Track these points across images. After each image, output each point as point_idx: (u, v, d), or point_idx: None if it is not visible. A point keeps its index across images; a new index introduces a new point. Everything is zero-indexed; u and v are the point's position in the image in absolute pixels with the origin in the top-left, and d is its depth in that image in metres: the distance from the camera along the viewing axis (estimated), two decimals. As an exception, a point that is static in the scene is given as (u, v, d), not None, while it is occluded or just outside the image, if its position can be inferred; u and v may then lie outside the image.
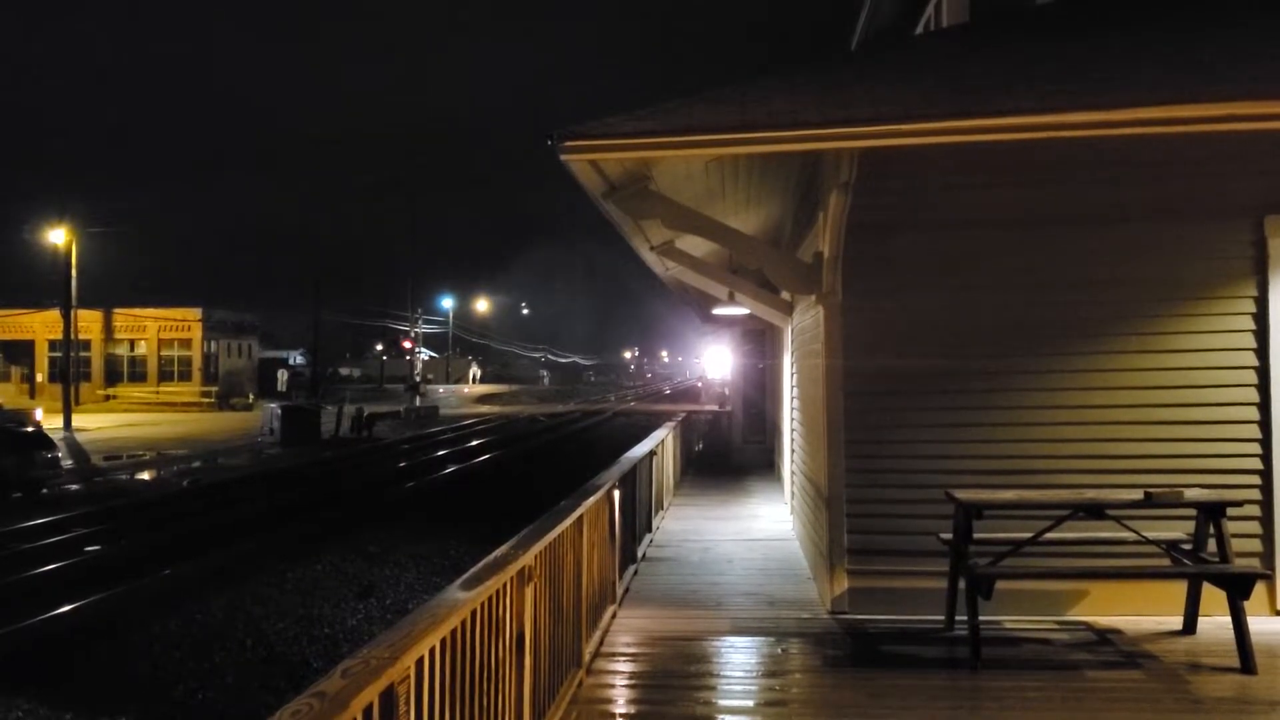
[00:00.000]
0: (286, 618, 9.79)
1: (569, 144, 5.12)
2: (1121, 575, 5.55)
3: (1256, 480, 5.81)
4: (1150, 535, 5.38)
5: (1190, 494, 5.23)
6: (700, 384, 55.39)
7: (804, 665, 5.18)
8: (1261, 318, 5.81)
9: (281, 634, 9.33)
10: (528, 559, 3.60)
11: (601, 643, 5.48)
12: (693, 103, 5.60)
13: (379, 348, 79.44)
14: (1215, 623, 5.39)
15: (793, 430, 9.87)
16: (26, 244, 36.42)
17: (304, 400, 40.04)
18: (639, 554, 7.99)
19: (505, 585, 3.34)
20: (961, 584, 5.27)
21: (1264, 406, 5.82)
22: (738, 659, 5.34)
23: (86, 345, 46.28)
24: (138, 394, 46.68)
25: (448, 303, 78.83)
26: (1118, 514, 5.26)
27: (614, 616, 6.05)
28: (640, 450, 8.38)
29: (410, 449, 27.78)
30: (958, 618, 5.48)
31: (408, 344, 62.18)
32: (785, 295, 9.23)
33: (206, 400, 46.36)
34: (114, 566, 11.53)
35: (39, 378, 47.31)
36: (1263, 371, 5.82)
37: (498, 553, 3.48)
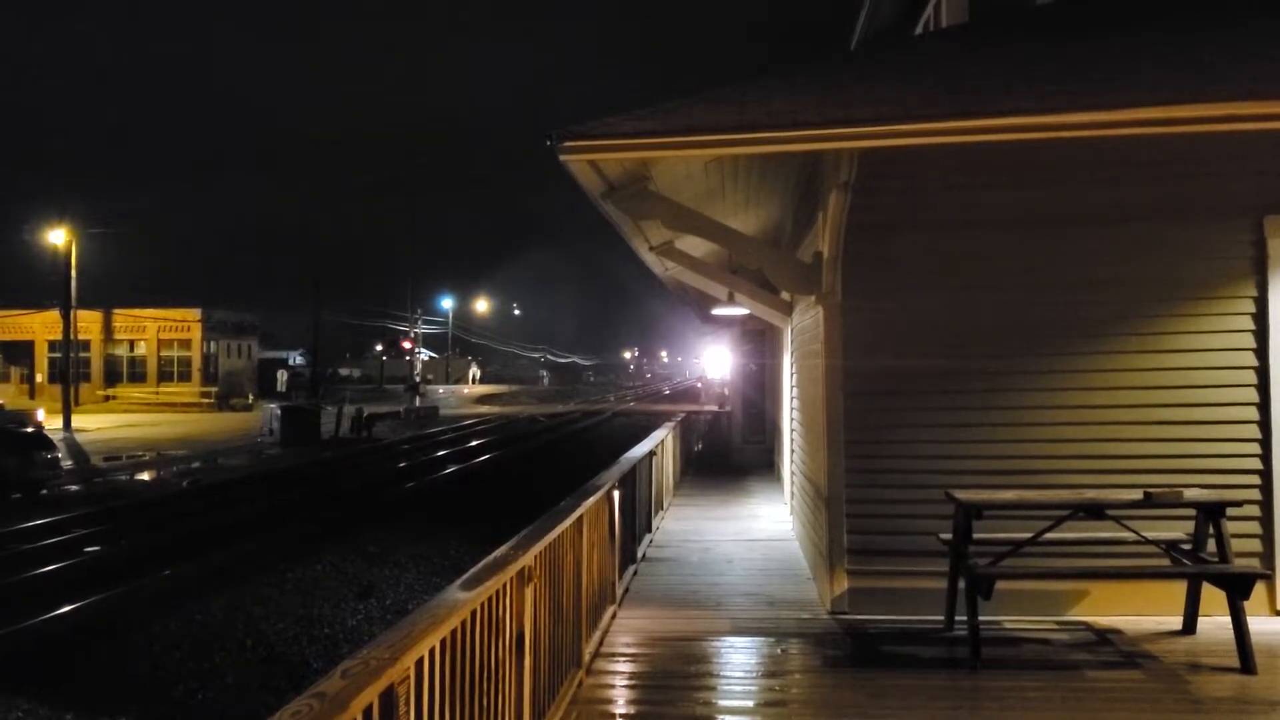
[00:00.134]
0: (286, 618, 9.79)
1: (568, 144, 5.12)
2: (1121, 575, 5.55)
3: (1256, 480, 5.81)
4: (1150, 535, 5.38)
5: (1190, 494, 5.22)
6: (700, 384, 55.39)
7: (804, 665, 5.18)
8: (1261, 318, 5.81)
9: (281, 634, 9.33)
10: (527, 559, 3.59)
11: (601, 643, 5.47)
12: (692, 103, 5.60)
13: (379, 348, 79.42)
14: (1215, 623, 5.39)
15: (792, 430, 9.87)
16: (26, 244, 36.45)
17: (304, 400, 40.06)
18: (639, 554, 7.99)
19: (505, 586, 3.34)
20: (961, 584, 5.27)
21: (1264, 406, 5.82)
22: (738, 659, 5.34)
23: (86, 346, 46.28)
24: (137, 394, 46.69)
25: (447, 303, 78.87)
26: (1117, 514, 5.26)
27: (614, 617, 6.05)
28: (640, 450, 8.37)
29: (410, 449, 27.78)
30: (958, 618, 5.48)
31: (407, 344, 62.17)
32: (785, 295, 9.23)
33: (206, 401, 46.36)
34: (114, 567, 11.53)
35: (39, 378, 47.31)
36: (1263, 371, 5.82)
37: (498, 553, 3.48)
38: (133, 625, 9.30)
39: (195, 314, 48.32)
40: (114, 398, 46.73)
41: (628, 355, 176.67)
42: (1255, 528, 5.78)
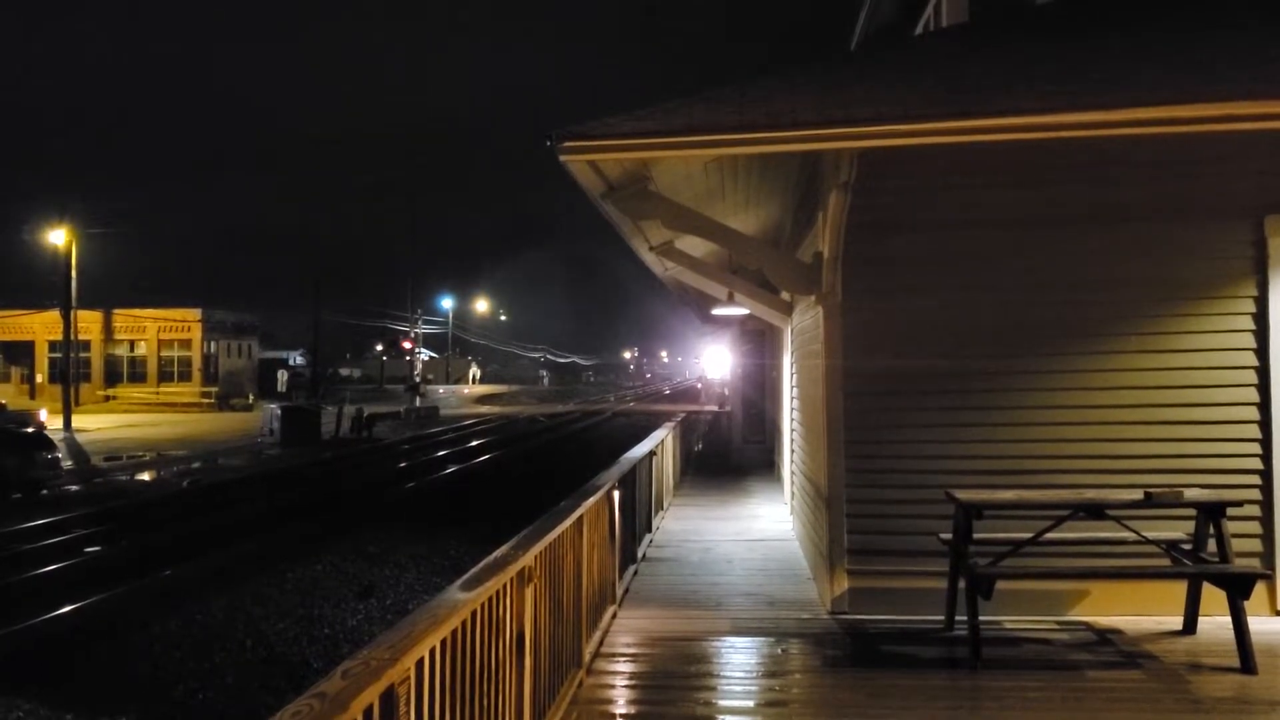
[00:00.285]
0: (287, 618, 9.79)
1: (568, 144, 5.12)
2: (1122, 575, 5.55)
3: (1256, 480, 5.81)
4: (1150, 535, 5.38)
5: (1190, 494, 5.22)
6: (700, 384, 55.40)
7: (804, 665, 5.19)
8: (1261, 318, 5.81)
9: (281, 634, 9.33)
10: (528, 559, 3.59)
11: (601, 643, 5.48)
12: (692, 103, 5.60)
13: (379, 348, 79.45)
14: (1215, 623, 5.39)
15: (793, 430, 9.87)
16: (26, 244, 36.42)
17: (304, 401, 40.07)
18: (639, 554, 7.99)
19: (505, 586, 3.34)
20: (961, 584, 5.27)
21: (1264, 406, 5.82)
22: (738, 659, 5.34)
23: (86, 346, 46.27)
24: (138, 394, 46.70)
25: (447, 303, 78.93)
26: (1118, 514, 5.26)
27: (614, 617, 6.05)
28: (640, 450, 8.38)
29: (410, 449, 27.79)
30: (958, 618, 5.48)
31: (408, 344, 62.18)
32: (785, 295, 9.23)
33: (206, 401, 46.37)
34: (114, 567, 11.53)
35: (39, 378, 47.32)
36: (1263, 371, 5.82)
37: (498, 553, 3.48)
38: (133, 625, 9.29)
39: (195, 314, 48.33)
40: (114, 398, 46.73)
41: (628, 355, 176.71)
42: (1255, 528, 5.78)
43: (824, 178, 6.51)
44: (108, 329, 47.87)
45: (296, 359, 68.70)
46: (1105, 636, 5.48)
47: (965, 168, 6.00)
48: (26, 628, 8.94)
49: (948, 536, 5.51)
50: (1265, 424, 5.81)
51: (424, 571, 12.23)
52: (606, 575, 5.90)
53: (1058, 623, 5.75)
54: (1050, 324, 5.99)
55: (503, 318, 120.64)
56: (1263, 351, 5.81)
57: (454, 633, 2.71)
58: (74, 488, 19.08)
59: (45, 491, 17.86)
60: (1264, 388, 5.81)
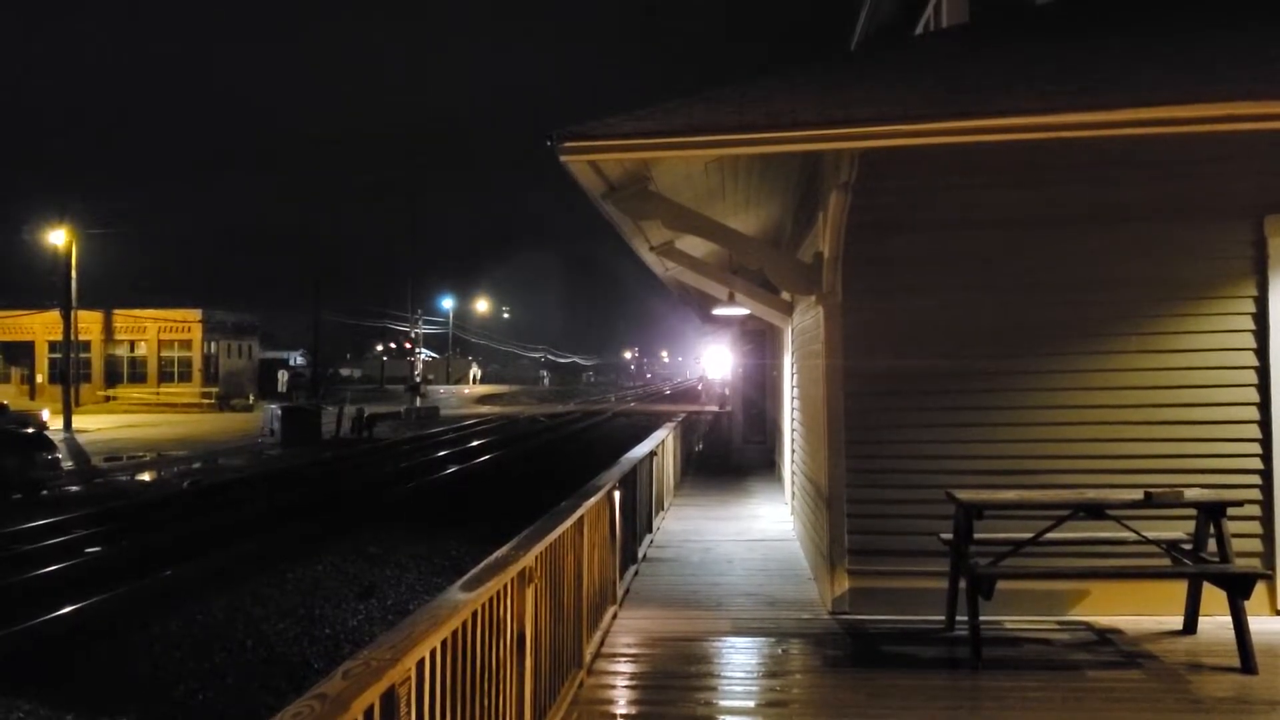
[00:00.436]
0: (287, 618, 9.79)
1: (568, 144, 5.11)
2: (1122, 575, 5.55)
3: (1256, 480, 5.81)
4: (1150, 535, 5.38)
5: (1190, 494, 5.23)
6: (700, 384, 55.41)
7: (804, 666, 5.19)
8: (1261, 318, 5.81)
9: (282, 634, 9.33)
10: (528, 560, 3.60)
11: (602, 643, 5.48)
12: (692, 103, 5.60)
13: (379, 348, 79.51)
14: (1215, 623, 5.39)
15: (793, 430, 9.87)
16: (26, 244, 36.41)
17: (304, 401, 40.07)
18: (639, 554, 7.99)
19: (506, 586, 3.34)
20: (962, 584, 5.28)
21: (1264, 406, 5.82)
22: (738, 659, 5.34)
23: (86, 346, 46.27)
24: (138, 395, 46.69)
25: (448, 303, 78.94)
26: (1118, 514, 5.26)
27: (615, 617, 6.06)
28: (640, 451, 8.38)
29: (411, 449, 27.79)
30: (958, 618, 5.48)
31: (408, 345, 62.17)
32: (785, 295, 9.23)
33: (207, 401, 46.37)
34: (114, 567, 11.53)
35: (39, 379, 47.33)
36: (1263, 371, 5.82)
37: (498, 554, 3.49)
38: (133, 625, 9.30)
39: (195, 314, 48.33)
40: (114, 398, 46.73)
41: (628, 355, 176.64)
42: (1256, 527, 5.78)
43: (824, 178, 6.51)
44: (108, 329, 47.87)
45: (297, 359, 68.73)
46: (1106, 636, 5.49)
47: (966, 168, 6.00)
48: (27, 628, 8.94)
49: (948, 536, 5.51)
50: (1265, 424, 5.81)
51: (425, 572, 12.24)
52: (607, 575, 5.90)
53: (1058, 623, 5.75)
54: (1050, 324, 5.99)
55: (505, 315, 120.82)
56: (1263, 351, 5.82)
57: (455, 633, 2.71)
58: (74, 488, 19.08)
59: (45, 492, 17.87)
60: (1264, 388, 5.82)
